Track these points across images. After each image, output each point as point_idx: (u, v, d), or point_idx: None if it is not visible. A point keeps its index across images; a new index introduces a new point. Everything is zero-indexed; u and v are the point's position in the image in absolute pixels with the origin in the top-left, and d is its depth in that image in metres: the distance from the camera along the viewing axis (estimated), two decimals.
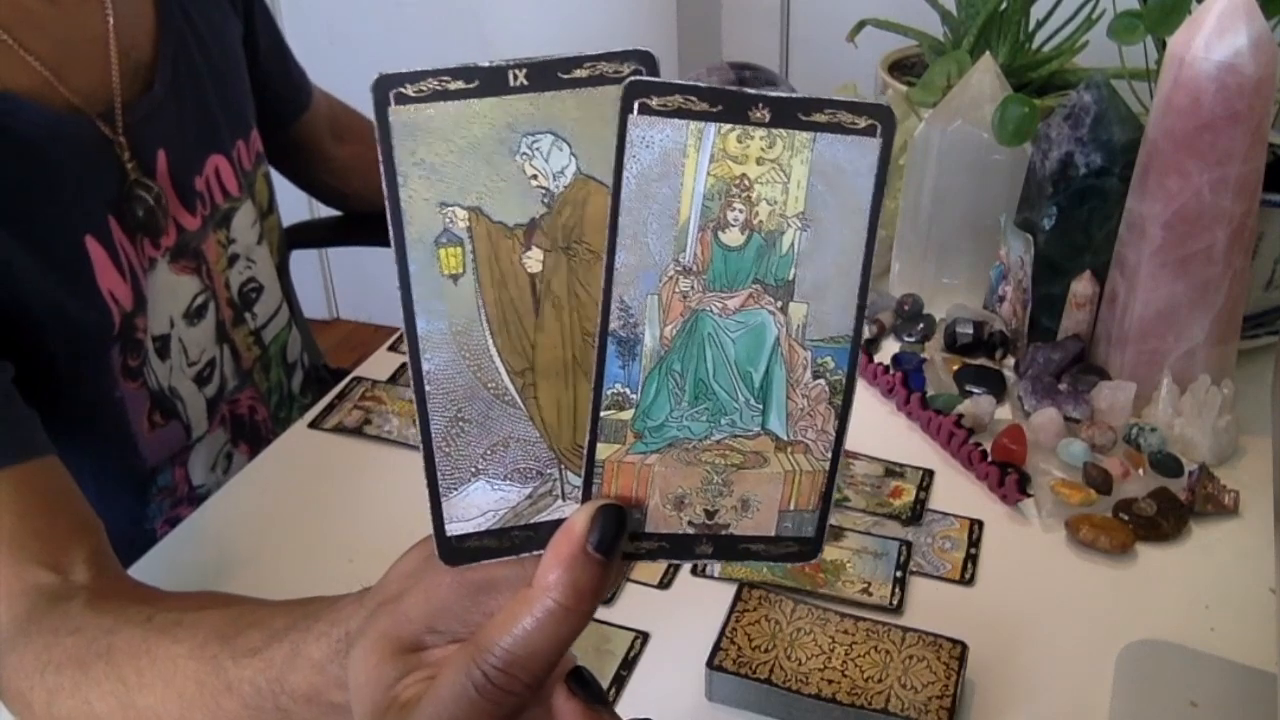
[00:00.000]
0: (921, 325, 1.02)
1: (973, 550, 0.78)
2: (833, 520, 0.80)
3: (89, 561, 0.65)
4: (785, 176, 0.37)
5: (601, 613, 0.72)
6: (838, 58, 1.26)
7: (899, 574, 0.75)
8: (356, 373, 1.00)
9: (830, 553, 0.77)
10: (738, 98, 0.36)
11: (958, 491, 0.84)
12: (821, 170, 0.37)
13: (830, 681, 0.65)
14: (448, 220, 0.37)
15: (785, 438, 0.40)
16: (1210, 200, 0.81)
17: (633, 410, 0.39)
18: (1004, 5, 1.10)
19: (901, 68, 1.21)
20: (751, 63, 1.12)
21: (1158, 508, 0.79)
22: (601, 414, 0.39)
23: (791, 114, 0.36)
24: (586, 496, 0.39)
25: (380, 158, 0.36)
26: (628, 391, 0.38)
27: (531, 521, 0.40)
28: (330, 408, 0.95)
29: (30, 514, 0.66)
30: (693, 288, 0.38)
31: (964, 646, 0.67)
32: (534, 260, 0.38)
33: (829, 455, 0.40)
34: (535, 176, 0.37)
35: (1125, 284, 0.88)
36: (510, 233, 0.38)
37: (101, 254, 0.81)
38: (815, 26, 1.89)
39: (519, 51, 0.37)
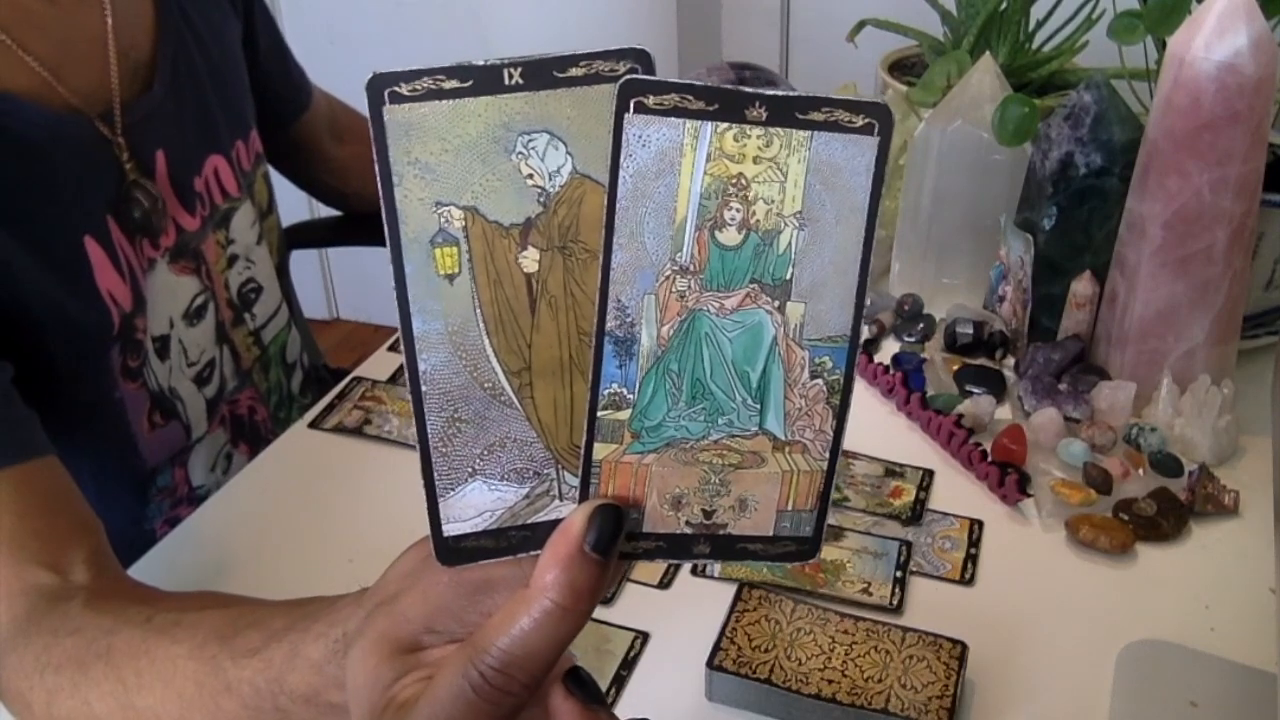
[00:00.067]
0: (921, 325, 1.02)
1: (973, 550, 0.78)
2: (832, 520, 0.80)
3: (88, 562, 0.66)
4: (782, 175, 0.37)
5: (601, 613, 0.72)
6: (838, 58, 1.26)
7: (899, 574, 0.75)
8: (356, 373, 1.00)
9: (830, 553, 0.77)
10: (734, 96, 0.36)
11: (958, 491, 0.84)
12: (819, 169, 0.37)
13: (830, 681, 0.65)
14: (443, 220, 0.37)
15: (783, 437, 0.40)
16: (1210, 200, 0.81)
17: (630, 410, 0.39)
18: (1004, 5, 1.09)
19: (901, 68, 1.21)
20: (751, 63, 1.12)
21: (1158, 508, 0.79)
22: (598, 414, 0.39)
23: (788, 113, 0.36)
24: (584, 496, 0.39)
25: (375, 157, 0.36)
26: (625, 391, 0.38)
27: (529, 522, 0.40)
28: (330, 408, 0.95)
29: (30, 514, 0.66)
30: (690, 287, 0.38)
31: (964, 646, 0.67)
32: (530, 260, 0.38)
33: (827, 455, 0.40)
34: (531, 176, 0.37)
35: (1125, 284, 0.88)
36: (506, 232, 0.38)
37: (100, 254, 0.81)
38: (815, 26, 1.89)
39: (519, 51, 0.36)
